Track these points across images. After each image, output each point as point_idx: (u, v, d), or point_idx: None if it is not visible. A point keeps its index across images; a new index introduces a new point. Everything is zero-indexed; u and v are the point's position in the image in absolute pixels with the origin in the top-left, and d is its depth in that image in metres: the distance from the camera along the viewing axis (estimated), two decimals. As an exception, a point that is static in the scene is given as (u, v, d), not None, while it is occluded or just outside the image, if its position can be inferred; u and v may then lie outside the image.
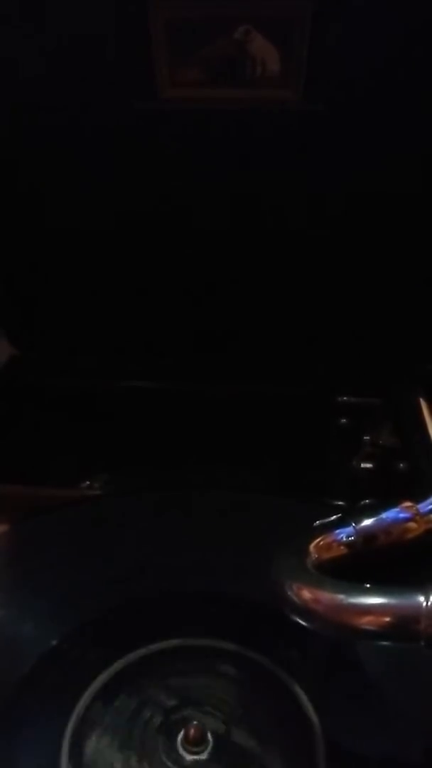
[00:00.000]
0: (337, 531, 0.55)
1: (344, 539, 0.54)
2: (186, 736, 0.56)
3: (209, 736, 0.56)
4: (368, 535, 0.55)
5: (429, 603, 0.45)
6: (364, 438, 0.80)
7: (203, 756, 0.56)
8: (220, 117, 0.67)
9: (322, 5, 0.59)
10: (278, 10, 0.60)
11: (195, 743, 0.56)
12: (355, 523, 0.55)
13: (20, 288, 0.82)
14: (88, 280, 0.80)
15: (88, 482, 0.79)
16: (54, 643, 0.63)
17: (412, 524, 0.55)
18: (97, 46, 0.63)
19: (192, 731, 0.56)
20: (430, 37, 0.60)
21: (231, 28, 0.61)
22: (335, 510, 0.60)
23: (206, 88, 0.64)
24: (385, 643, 0.49)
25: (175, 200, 0.73)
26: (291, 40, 0.61)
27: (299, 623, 0.50)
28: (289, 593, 0.49)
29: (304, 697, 0.59)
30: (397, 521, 0.55)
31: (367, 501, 0.59)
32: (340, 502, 0.71)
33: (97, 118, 0.67)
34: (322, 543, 0.54)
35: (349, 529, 0.55)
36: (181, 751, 0.56)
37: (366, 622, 0.46)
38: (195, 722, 0.57)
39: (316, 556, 0.53)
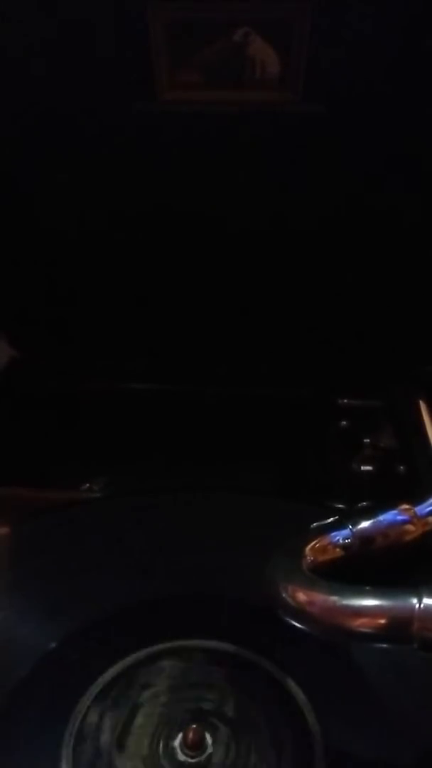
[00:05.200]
0: (334, 533, 0.54)
1: (340, 541, 0.54)
2: (185, 739, 0.56)
3: (208, 739, 0.56)
4: (365, 538, 0.54)
5: (422, 605, 0.45)
6: (365, 440, 0.80)
7: (202, 759, 0.55)
8: (220, 119, 0.67)
9: (321, 8, 0.59)
10: (277, 12, 0.60)
11: (194, 747, 0.56)
12: (352, 526, 0.54)
13: (20, 291, 0.83)
14: (88, 283, 0.80)
15: (87, 484, 0.79)
16: (54, 645, 0.63)
17: (409, 527, 0.55)
18: (97, 47, 0.63)
19: (191, 735, 0.56)
20: (429, 38, 0.60)
21: (230, 30, 0.61)
22: (335, 512, 0.60)
23: (206, 90, 0.65)
24: (379, 645, 0.49)
25: (174, 202, 0.73)
26: (290, 43, 0.61)
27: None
28: (283, 595, 0.49)
29: (303, 699, 0.59)
30: (394, 524, 0.55)
31: (364, 503, 0.58)
32: (340, 505, 0.71)
33: (96, 119, 0.67)
34: (317, 545, 0.53)
35: (346, 532, 0.54)
36: (179, 754, 0.56)
37: (359, 624, 0.46)
38: (194, 726, 0.56)
39: (312, 558, 0.52)
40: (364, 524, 0.55)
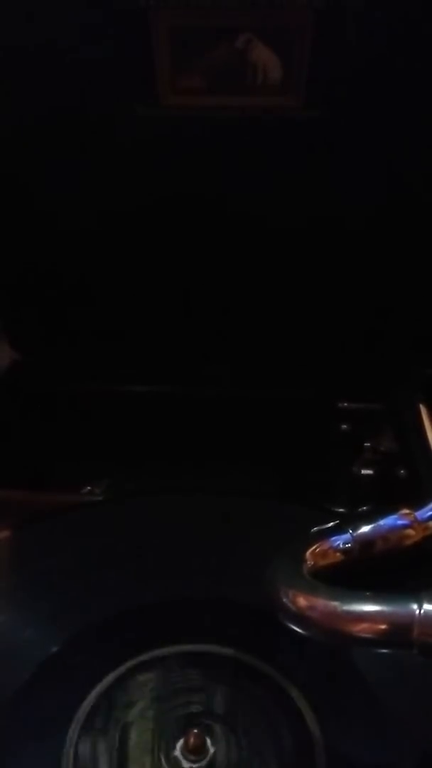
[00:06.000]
0: (334, 538, 0.54)
1: (341, 546, 0.54)
2: (186, 743, 0.56)
3: (209, 744, 0.56)
4: (365, 542, 0.54)
5: (422, 611, 0.45)
6: (365, 444, 0.80)
7: (203, 764, 0.55)
8: (221, 124, 0.67)
9: (323, 14, 0.59)
10: (279, 19, 0.60)
11: (195, 751, 0.56)
12: (353, 530, 0.55)
13: (21, 293, 0.83)
14: (89, 285, 0.80)
15: (89, 487, 0.80)
16: (55, 649, 0.63)
17: (409, 531, 0.55)
18: (100, 52, 0.63)
19: (192, 739, 0.56)
20: (429, 45, 0.60)
21: (233, 36, 0.61)
22: (335, 516, 0.60)
23: (208, 96, 0.65)
24: (379, 650, 0.49)
25: (175, 206, 0.73)
26: (292, 49, 0.61)
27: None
28: (284, 599, 0.49)
29: (303, 703, 0.59)
30: (394, 528, 0.55)
31: (364, 508, 0.58)
32: (341, 509, 0.71)
33: (98, 124, 0.67)
34: (318, 550, 0.53)
35: (346, 536, 0.54)
36: (181, 759, 0.56)
37: (359, 629, 0.46)
38: (195, 730, 0.56)
39: (312, 563, 0.52)
40: (365, 528, 0.55)
